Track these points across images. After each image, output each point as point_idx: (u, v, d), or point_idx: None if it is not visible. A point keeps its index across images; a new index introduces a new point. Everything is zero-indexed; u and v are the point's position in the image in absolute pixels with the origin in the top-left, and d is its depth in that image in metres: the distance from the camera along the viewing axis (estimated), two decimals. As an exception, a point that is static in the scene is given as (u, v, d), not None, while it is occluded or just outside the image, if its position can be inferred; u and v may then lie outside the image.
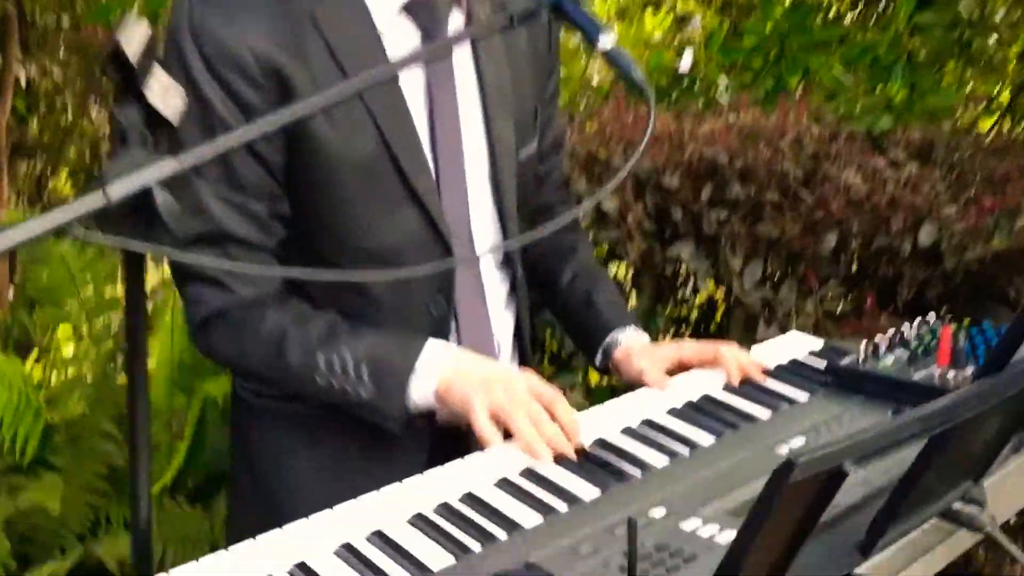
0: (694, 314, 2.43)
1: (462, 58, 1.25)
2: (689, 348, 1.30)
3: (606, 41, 0.95)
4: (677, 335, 2.47)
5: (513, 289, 1.35)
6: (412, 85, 1.20)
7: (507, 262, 1.34)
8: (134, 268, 0.80)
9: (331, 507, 0.98)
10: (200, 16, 1.10)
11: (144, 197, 0.73)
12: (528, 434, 1.05)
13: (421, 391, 1.13)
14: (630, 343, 1.35)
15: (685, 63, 2.86)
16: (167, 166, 0.75)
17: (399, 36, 1.18)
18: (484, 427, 1.07)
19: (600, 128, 2.16)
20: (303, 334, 1.15)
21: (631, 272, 2.28)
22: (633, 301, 2.34)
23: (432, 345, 1.15)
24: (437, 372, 1.13)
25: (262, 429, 1.28)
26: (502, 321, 1.34)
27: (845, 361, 1.21)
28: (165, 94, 0.78)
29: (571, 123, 2.31)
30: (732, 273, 2.06)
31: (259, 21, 1.11)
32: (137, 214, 0.74)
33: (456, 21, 1.24)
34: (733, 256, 2.06)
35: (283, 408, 1.24)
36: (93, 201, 0.72)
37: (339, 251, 1.20)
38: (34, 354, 2.46)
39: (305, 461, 1.24)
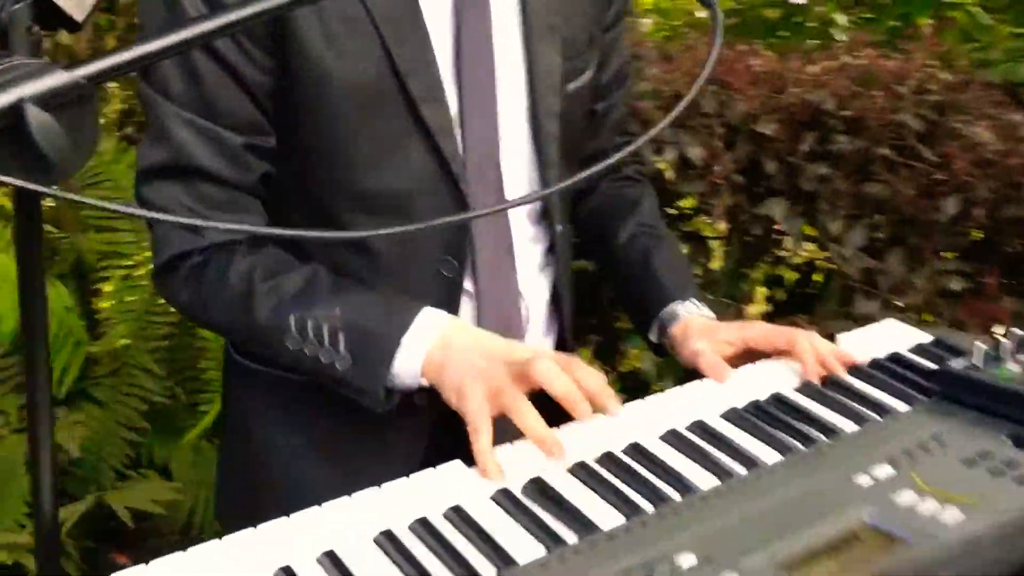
0: (790, 275, 2.18)
1: None
2: (758, 330, 1.07)
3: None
4: (770, 300, 2.22)
5: (551, 250, 1.14)
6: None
7: (545, 215, 1.13)
8: (25, 208, 0.63)
9: (318, 489, 0.83)
10: None
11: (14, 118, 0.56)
12: (536, 428, 0.85)
13: (407, 369, 0.94)
14: (690, 317, 1.13)
15: (798, -6, 2.55)
16: (53, 78, 0.57)
17: None
18: (476, 421, 0.87)
19: (694, 65, 1.90)
20: (274, 288, 0.97)
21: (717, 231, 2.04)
22: (718, 262, 2.10)
23: (427, 315, 0.96)
24: (426, 347, 0.94)
25: (254, 397, 1.12)
26: (535, 289, 1.14)
27: (958, 364, 0.97)
28: (64, -15, 0.60)
29: (661, 59, 2.05)
30: (831, 237, 1.80)
31: None
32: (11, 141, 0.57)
33: None
34: (833, 218, 1.80)
35: (275, 376, 1.06)
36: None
37: (335, 194, 1.02)
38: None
39: (296, 438, 1.08)
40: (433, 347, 0.94)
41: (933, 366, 1.01)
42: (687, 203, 2.02)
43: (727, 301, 1.99)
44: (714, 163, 1.86)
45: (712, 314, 1.15)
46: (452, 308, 1.06)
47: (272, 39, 0.94)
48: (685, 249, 1.96)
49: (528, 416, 0.85)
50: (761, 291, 2.55)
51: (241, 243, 1.00)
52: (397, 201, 1.01)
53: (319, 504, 0.79)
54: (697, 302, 1.15)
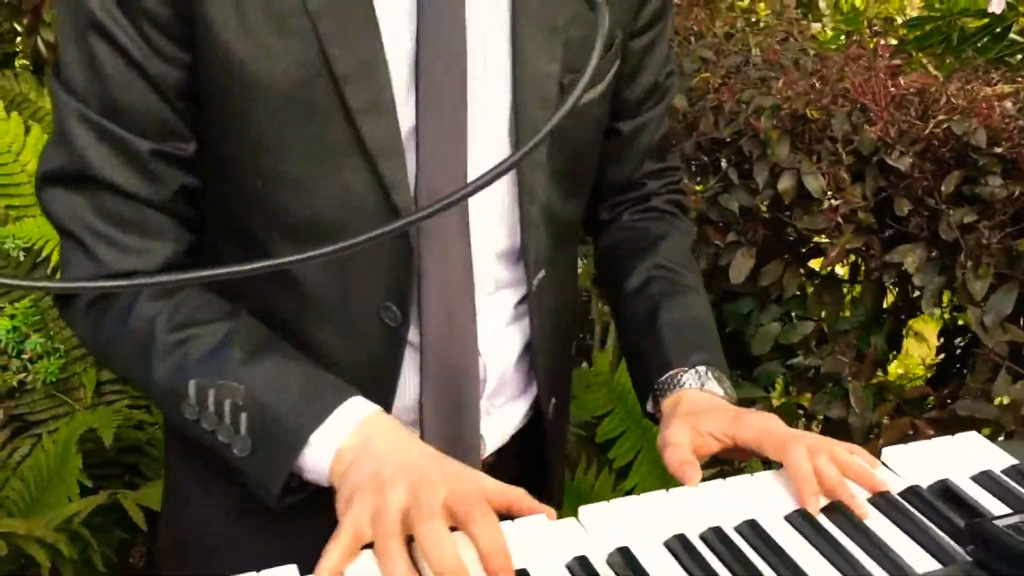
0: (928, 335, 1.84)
1: None
2: (755, 429, 0.83)
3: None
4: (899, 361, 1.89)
5: (529, 296, 0.93)
6: None
7: (521, 255, 0.92)
8: None
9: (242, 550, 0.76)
10: None
11: None
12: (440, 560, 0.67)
13: (314, 467, 0.79)
14: (685, 391, 0.90)
15: (997, 1, 2.15)
16: None
17: None
18: (341, 531, 0.70)
19: (822, 80, 1.61)
20: (179, 344, 0.82)
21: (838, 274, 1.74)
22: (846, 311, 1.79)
23: (348, 409, 0.79)
24: (338, 444, 0.78)
25: (180, 437, 0.97)
26: (500, 344, 0.94)
27: (1010, 518, 0.69)
28: None
29: (795, 67, 1.76)
30: (972, 299, 1.47)
31: None
32: None
33: None
34: (976, 275, 1.46)
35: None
36: None
37: (261, 219, 0.85)
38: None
39: (221, 488, 0.92)
40: (345, 446, 0.78)
41: (993, 507, 0.74)
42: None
43: (844, 359, 1.69)
44: (837, 196, 1.57)
45: (722, 390, 0.91)
46: (394, 363, 0.88)
47: (182, 26, 0.79)
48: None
49: (435, 547, 0.67)
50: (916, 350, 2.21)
51: (149, 273, 0.85)
52: (332, 232, 0.83)
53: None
54: (707, 370, 0.91)
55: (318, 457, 0.78)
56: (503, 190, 0.88)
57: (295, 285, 0.86)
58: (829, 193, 1.58)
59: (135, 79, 0.80)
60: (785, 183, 1.59)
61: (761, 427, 0.82)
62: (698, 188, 1.80)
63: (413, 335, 0.88)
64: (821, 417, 1.80)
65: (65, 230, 0.84)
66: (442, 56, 0.82)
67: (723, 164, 1.74)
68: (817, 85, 1.61)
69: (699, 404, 0.87)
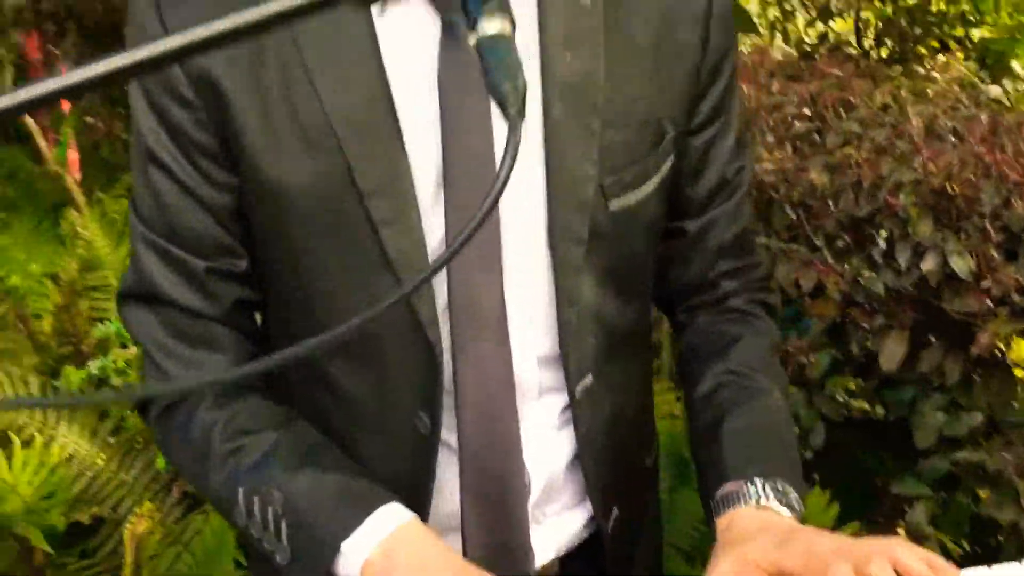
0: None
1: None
2: (797, 552, 0.75)
3: (485, 24, 0.52)
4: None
5: (573, 403, 0.90)
6: (415, 83, 0.82)
7: (562, 358, 0.89)
8: None
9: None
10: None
11: None
12: None
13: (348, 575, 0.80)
14: (740, 510, 0.83)
15: None
16: None
17: (408, 24, 0.82)
18: None
19: (967, 153, 1.47)
20: (232, 453, 0.85)
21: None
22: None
23: (378, 518, 0.80)
24: (364, 557, 0.78)
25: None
26: (547, 452, 0.91)
27: None
28: None
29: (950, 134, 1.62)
30: None
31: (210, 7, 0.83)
32: None
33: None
34: None
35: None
36: None
37: (309, 332, 0.88)
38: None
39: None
40: (371, 559, 0.78)
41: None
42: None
43: (1008, 457, 1.51)
44: (988, 278, 1.43)
45: (785, 505, 0.83)
46: (427, 469, 0.88)
47: (226, 152, 0.84)
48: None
49: None
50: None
51: (209, 390, 0.90)
52: (369, 344, 0.86)
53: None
54: (764, 483, 0.83)
55: (350, 568, 0.79)
56: (542, 293, 0.87)
57: (335, 390, 0.88)
58: (979, 274, 1.44)
59: (189, 204, 0.85)
60: (929, 263, 1.47)
61: (805, 550, 0.74)
62: (842, 268, 1.69)
63: (451, 440, 0.88)
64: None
65: (139, 343, 0.91)
66: (469, 165, 0.83)
67: (866, 243, 1.64)
68: (963, 157, 1.49)
69: (749, 527, 0.80)
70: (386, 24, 0.81)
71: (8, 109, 0.50)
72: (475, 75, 0.79)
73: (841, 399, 1.92)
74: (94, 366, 1.95)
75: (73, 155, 3.62)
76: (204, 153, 0.84)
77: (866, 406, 1.99)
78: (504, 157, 0.49)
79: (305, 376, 0.91)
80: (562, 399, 0.91)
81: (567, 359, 0.88)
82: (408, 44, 0.81)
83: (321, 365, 0.88)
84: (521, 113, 0.52)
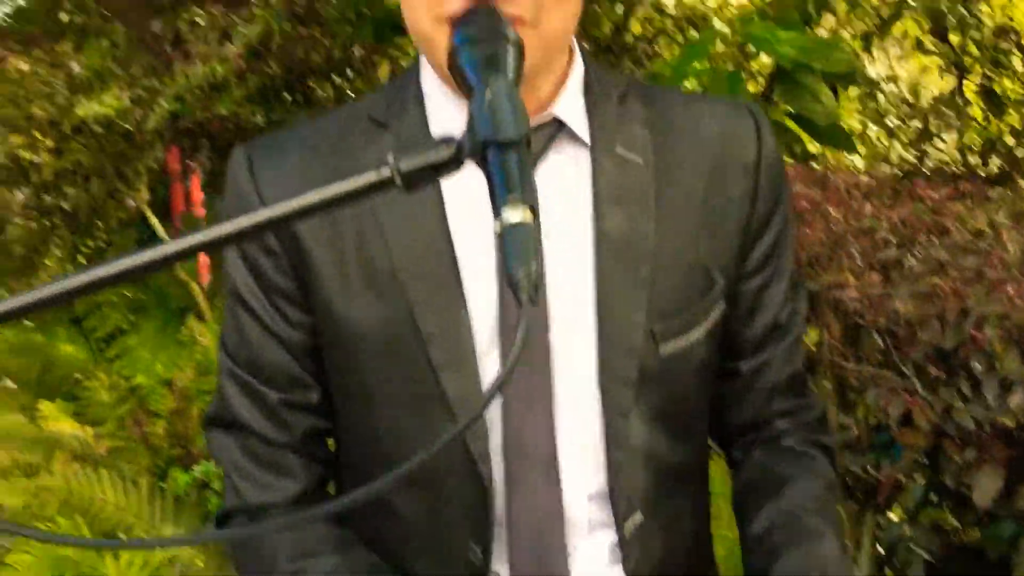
0: None
1: (564, 196, 0.90)
2: None
3: (508, 213, 0.58)
4: None
5: (622, 540, 0.92)
6: (476, 237, 0.89)
7: (611, 495, 0.92)
8: None
9: None
10: (246, 156, 0.95)
11: None
12: None
13: None
14: None
15: None
16: None
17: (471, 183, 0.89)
18: None
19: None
20: (292, 574, 0.91)
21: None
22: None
23: None
24: None
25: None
26: None
27: None
28: None
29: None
30: None
31: (296, 167, 0.92)
32: None
33: (558, 166, 0.91)
34: None
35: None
36: None
37: (372, 459, 0.95)
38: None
39: None
40: None
41: None
42: None
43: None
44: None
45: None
46: None
47: (303, 295, 0.93)
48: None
49: None
50: None
51: (279, 507, 0.96)
52: (426, 476, 0.91)
53: None
54: None
55: None
56: (592, 433, 0.90)
57: (392, 516, 0.93)
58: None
59: (268, 341, 0.94)
60: (1017, 399, 1.44)
61: None
62: (932, 398, 1.66)
63: (503, 571, 0.91)
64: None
65: (220, 465, 0.99)
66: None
67: (955, 374, 1.61)
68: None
69: None
70: (451, 182, 0.88)
71: (127, 271, 0.59)
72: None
73: (937, 531, 1.85)
74: (199, 470, 2.05)
75: (204, 260, 3.84)
76: (284, 296, 0.92)
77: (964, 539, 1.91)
78: (518, 335, 0.54)
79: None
80: (612, 535, 0.93)
81: (616, 497, 0.91)
82: (470, 201, 0.88)
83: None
84: (533, 300, 0.57)
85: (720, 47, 3.00)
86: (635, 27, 3.81)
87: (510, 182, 0.60)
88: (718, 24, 3.23)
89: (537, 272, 0.57)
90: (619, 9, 3.77)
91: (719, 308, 0.94)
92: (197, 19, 3.57)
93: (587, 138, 0.90)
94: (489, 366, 0.89)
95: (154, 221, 3.71)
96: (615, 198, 0.90)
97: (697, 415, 0.97)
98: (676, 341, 0.91)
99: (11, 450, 2.48)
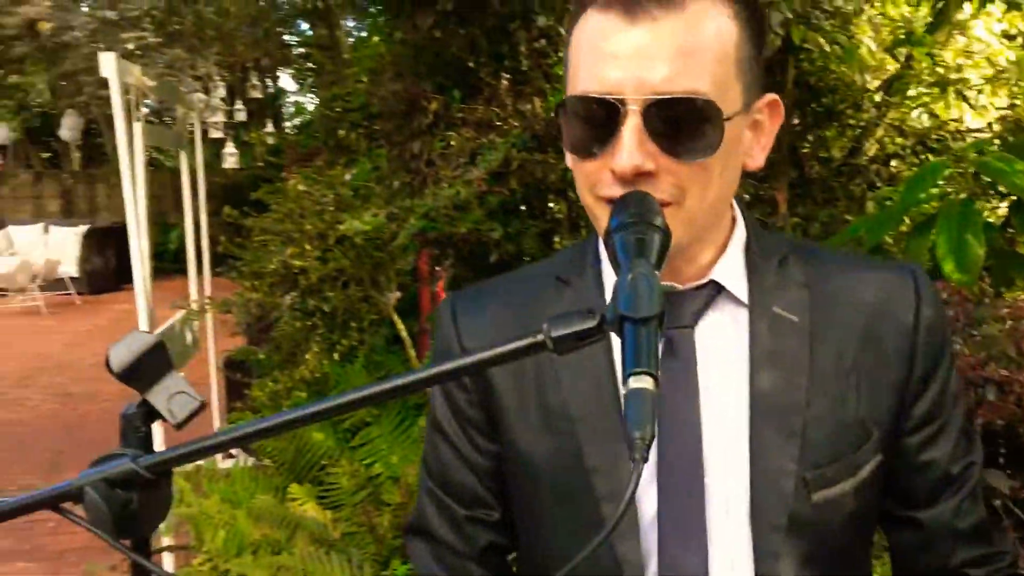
0: None
1: (722, 352, 0.99)
2: None
3: (633, 381, 0.70)
4: None
5: None
6: None
7: None
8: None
9: None
10: (451, 305, 1.12)
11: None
12: None
13: None
14: None
15: None
16: (121, 467, 0.83)
17: None
18: None
19: None
20: None
21: None
22: None
23: None
24: None
25: None
26: None
27: None
28: (171, 399, 0.87)
29: None
30: None
31: (490, 316, 1.08)
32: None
33: (717, 325, 1.00)
34: None
35: None
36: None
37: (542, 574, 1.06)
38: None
39: None
40: None
41: None
42: None
43: None
44: None
45: None
46: None
47: (491, 426, 1.07)
48: None
49: None
50: None
51: None
52: None
53: None
54: None
55: None
56: (743, 573, 0.97)
57: None
58: None
59: (459, 464, 1.09)
60: None
61: None
62: None
63: None
64: None
65: (416, 569, 1.14)
66: (679, 453, 0.97)
67: None
68: None
69: None
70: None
71: (365, 399, 0.75)
72: (688, 381, 0.95)
73: None
74: (414, 563, 2.23)
75: (437, 361, 4.12)
76: (474, 426, 1.07)
77: None
78: (631, 485, 0.64)
79: None
80: None
81: None
82: None
83: None
84: (644, 458, 0.66)
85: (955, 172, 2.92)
86: (869, 149, 3.77)
87: (639, 355, 0.70)
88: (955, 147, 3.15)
89: (651, 435, 0.67)
90: (854, 132, 3.77)
91: (875, 460, 0.99)
92: (451, 141, 3.95)
93: (746, 299, 0.99)
94: (648, 499, 0.98)
95: (399, 323, 4.05)
96: (770, 356, 0.97)
97: (852, 560, 1.01)
98: (828, 490, 0.96)
99: (263, 528, 2.78)
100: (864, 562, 1.03)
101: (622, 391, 0.70)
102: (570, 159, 0.97)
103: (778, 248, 1.03)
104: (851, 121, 3.76)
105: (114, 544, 0.81)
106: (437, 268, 4.80)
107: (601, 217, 0.91)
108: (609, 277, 1.03)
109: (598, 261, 1.05)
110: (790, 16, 2.65)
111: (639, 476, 0.65)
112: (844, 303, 1.00)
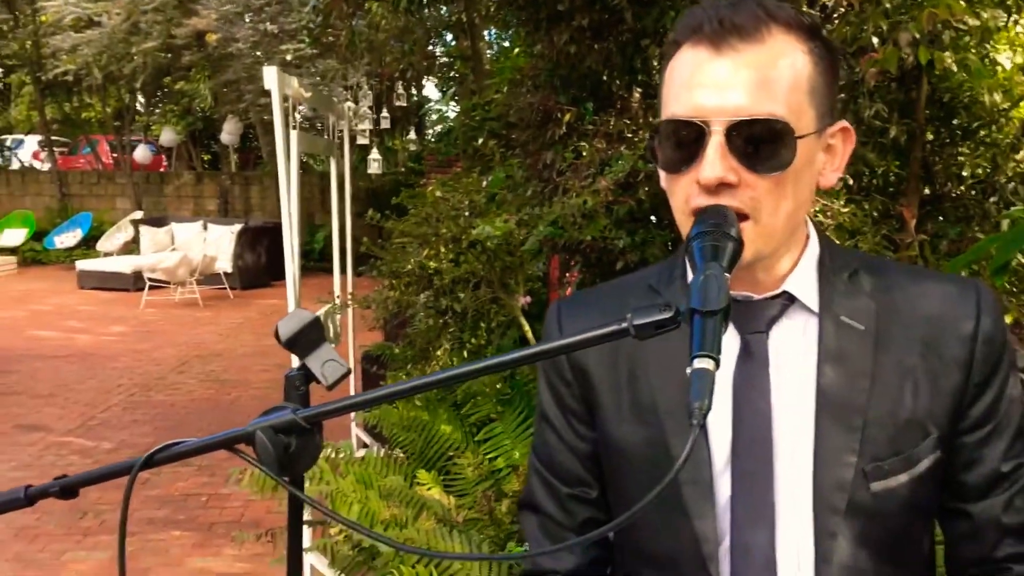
0: None
1: (792, 355, 1.11)
2: None
3: (697, 362, 0.84)
4: None
5: None
6: (718, 381, 1.12)
7: None
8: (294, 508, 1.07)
9: None
10: (558, 309, 1.28)
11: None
12: None
13: None
14: None
15: None
16: (284, 417, 1.02)
17: None
18: None
19: None
20: None
21: None
22: None
23: None
24: None
25: None
26: None
27: None
28: (323, 364, 1.06)
29: None
30: None
31: (589, 319, 1.23)
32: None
33: (790, 330, 1.12)
34: None
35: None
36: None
37: (633, 553, 1.20)
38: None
39: None
40: None
41: None
42: None
43: None
44: None
45: None
46: None
47: (590, 416, 1.22)
48: None
49: None
50: None
51: (558, 574, 1.24)
52: (672, 569, 1.14)
53: None
54: None
55: None
56: (805, 548, 1.09)
57: None
58: None
59: (562, 448, 1.25)
60: None
61: None
62: None
63: None
64: None
65: (525, 537, 1.30)
66: (752, 444, 1.10)
67: None
68: None
69: None
70: None
71: (476, 371, 0.92)
72: (761, 379, 1.08)
73: None
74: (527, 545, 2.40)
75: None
76: (575, 415, 1.23)
77: None
78: (687, 446, 0.78)
79: None
80: None
81: None
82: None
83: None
84: (701, 424, 0.80)
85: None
86: (1007, 167, 3.72)
87: (705, 341, 0.85)
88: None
89: (709, 405, 0.81)
90: (990, 151, 3.72)
91: (932, 456, 1.09)
92: (583, 151, 4.11)
93: (816, 308, 1.11)
94: (723, 483, 1.11)
95: (525, 325, 4.24)
96: (835, 359, 1.09)
97: (908, 546, 1.11)
98: (886, 481, 1.07)
99: (391, 505, 3.01)
100: (920, 549, 1.13)
101: (687, 371, 0.84)
102: (663, 177, 1.11)
103: (849, 263, 1.14)
104: (987, 140, 3.71)
105: (276, 479, 1.01)
106: (567, 274, 4.97)
107: (687, 228, 1.05)
108: None
109: (685, 272, 1.18)
110: (917, 36, 2.69)
111: (695, 438, 0.79)
112: (908, 313, 1.10)
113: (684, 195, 1.07)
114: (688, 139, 1.04)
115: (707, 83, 1.03)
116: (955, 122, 3.71)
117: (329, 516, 0.97)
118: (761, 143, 1.02)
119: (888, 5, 2.89)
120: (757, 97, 1.01)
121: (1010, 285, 3.30)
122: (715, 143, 1.02)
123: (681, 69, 1.06)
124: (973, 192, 3.82)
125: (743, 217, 1.03)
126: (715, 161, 1.01)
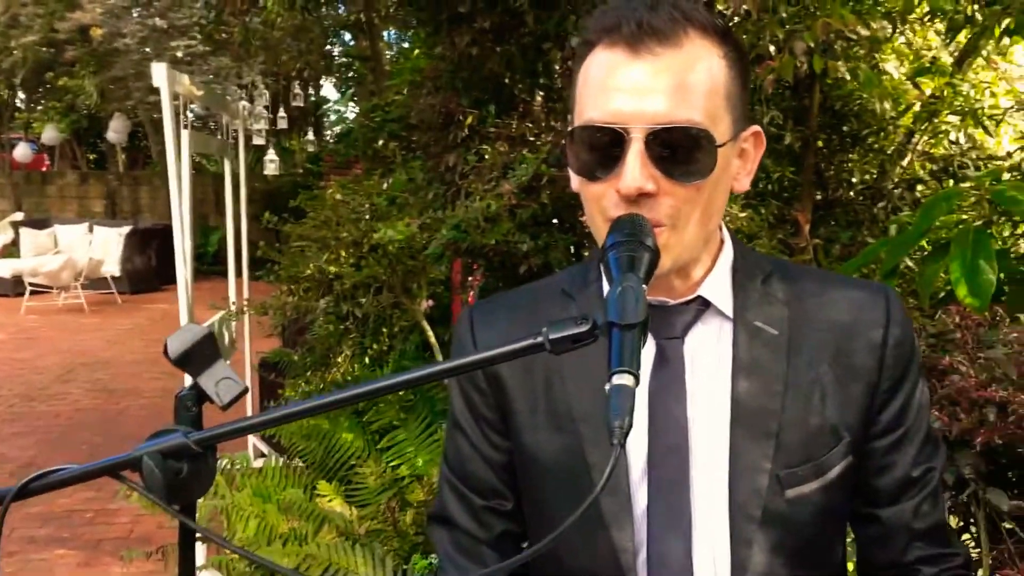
0: None
1: (707, 361, 1.10)
2: None
3: (616, 378, 0.81)
4: None
5: None
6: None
7: None
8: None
9: None
10: (470, 315, 1.24)
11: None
12: None
13: None
14: None
15: None
16: (174, 441, 0.95)
17: None
18: None
19: None
20: None
21: None
22: None
23: None
24: None
25: None
26: None
27: None
28: (218, 383, 1.00)
29: None
30: None
31: (502, 327, 1.19)
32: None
33: (705, 335, 1.11)
34: None
35: None
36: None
37: (551, 568, 1.17)
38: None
39: None
40: None
41: None
42: None
43: None
44: None
45: None
46: None
47: (504, 424, 1.18)
48: None
49: None
50: None
51: None
52: None
53: None
54: None
55: None
56: (721, 557, 1.07)
57: None
58: None
59: (475, 458, 1.20)
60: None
61: None
62: None
63: None
64: None
65: (436, 552, 1.26)
66: (668, 452, 1.08)
67: None
68: None
69: None
70: None
71: (385, 388, 0.87)
72: (677, 386, 1.06)
73: None
74: (433, 558, 2.34)
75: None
76: (489, 424, 1.19)
77: None
78: (608, 466, 0.75)
79: None
80: None
81: None
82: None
83: None
84: (621, 444, 0.77)
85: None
86: (894, 173, 3.85)
87: (623, 356, 0.81)
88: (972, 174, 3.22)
89: (630, 424, 0.78)
90: (878, 158, 3.84)
91: (844, 462, 1.09)
92: (485, 155, 4.08)
93: (730, 313, 1.10)
94: (641, 493, 1.08)
95: (428, 330, 4.18)
96: (750, 365, 1.08)
97: (820, 553, 1.11)
98: (799, 487, 1.07)
99: (291, 520, 2.92)
100: (833, 555, 1.13)
101: (607, 387, 0.81)
102: (576, 182, 1.08)
103: (762, 267, 1.14)
104: (875, 146, 3.84)
105: (166, 508, 0.93)
106: (469, 278, 4.93)
107: (604, 236, 1.02)
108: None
109: (599, 277, 1.16)
110: (812, 45, 2.74)
111: (617, 457, 0.76)
112: (819, 320, 1.10)
113: (601, 202, 1.04)
114: (606, 145, 1.01)
115: (625, 87, 1.00)
116: (845, 129, 3.83)
117: (222, 545, 0.90)
118: (681, 151, 1.00)
119: (784, 14, 2.95)
120: (676, 103, 0.99)
121: (899, 288, 3.41)
122: (635, 150, 0.99)
123: (597, 71, 1.03)
124: (862, 197, 3.94)
125: (660, 225, 1.01)
126: (635, 169, 0.99)
